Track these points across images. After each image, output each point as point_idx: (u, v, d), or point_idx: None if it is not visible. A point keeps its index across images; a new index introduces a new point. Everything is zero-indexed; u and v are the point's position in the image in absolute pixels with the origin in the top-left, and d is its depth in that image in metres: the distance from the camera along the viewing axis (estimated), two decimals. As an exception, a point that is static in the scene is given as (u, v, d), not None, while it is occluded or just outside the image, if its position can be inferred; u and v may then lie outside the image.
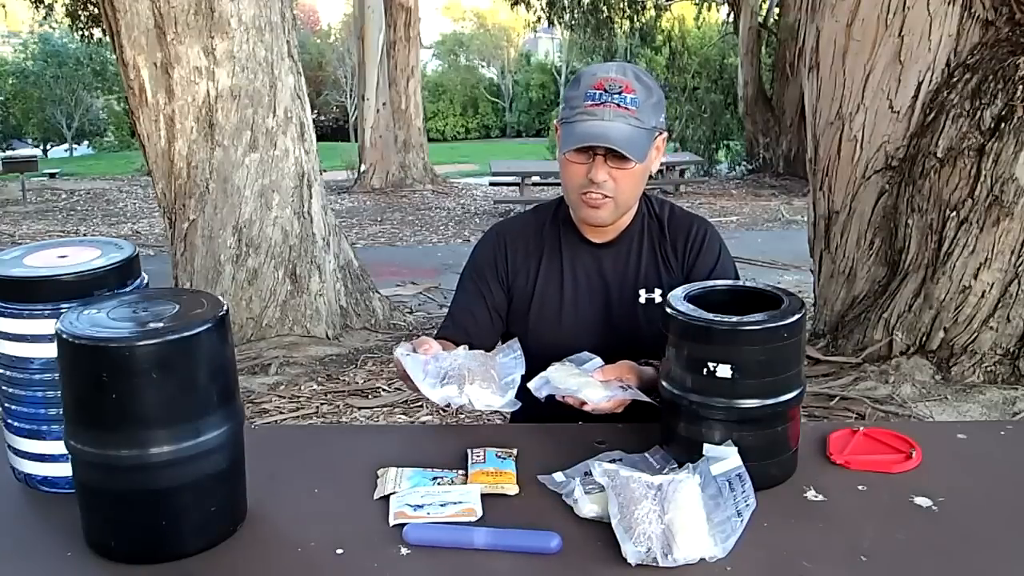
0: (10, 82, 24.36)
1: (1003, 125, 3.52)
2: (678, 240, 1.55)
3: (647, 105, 1.41)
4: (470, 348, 1.34)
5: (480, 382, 1.24)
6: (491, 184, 11.93)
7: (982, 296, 3.57)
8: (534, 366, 1.32)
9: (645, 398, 1.26)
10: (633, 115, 1.38)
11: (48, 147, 25.25)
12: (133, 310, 1.07)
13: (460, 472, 1.24)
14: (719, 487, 1.08)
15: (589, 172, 1.41)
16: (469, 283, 1.59)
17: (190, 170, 4.29)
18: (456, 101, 29.63)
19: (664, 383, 1.23)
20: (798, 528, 1.11)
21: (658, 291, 1.52)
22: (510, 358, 1.31)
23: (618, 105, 1.38)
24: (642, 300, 1.52)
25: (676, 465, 1.18)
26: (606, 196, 1.43)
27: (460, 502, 1.14)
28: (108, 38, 4.74)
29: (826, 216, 4.14)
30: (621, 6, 15.08)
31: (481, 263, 1.59)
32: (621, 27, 15.78)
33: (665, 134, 1.49)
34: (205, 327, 1.03)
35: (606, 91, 1.38)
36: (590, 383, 1.27)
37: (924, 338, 3.71)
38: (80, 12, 14.30)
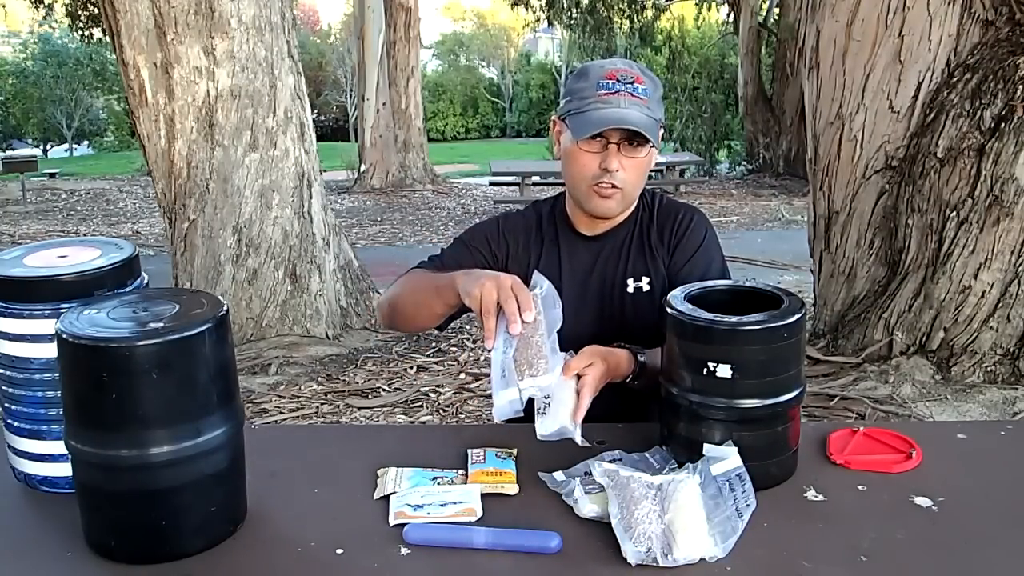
0: (10, 82, 24.33)
1: (1003, 125, 3.52)
2: (664, 227, 1.56)
3: (655, 97, 1.44)
4: None
5: (527, 371, 1.17)
6: (491, 184, 11.94)
7: (982, 296, 3.57)
8: None
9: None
10: (645, 104, 1.41)
11: (48, 147, 25.24)
12: (133, 310, 1.07)
13: (460, 472, 1.24)
14: (719, 487, 1.08)
15: (602, 161, 1.43)
16: (461, 246, 1.59)
17: (190, 170, 4.29)
18: (456, 101, 29.60)
19: (664, 383, 1.23)
20: (798, 528, 1.11)
21: (645, 279, 1.53)
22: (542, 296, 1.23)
23: (631, 94, 1.40)
24: (630, 289, 1.53)
25: (676, 465, 1.18)
26: (616, 186, 1.44)
27: (460, 502, 1.14)
28: (108, 38, 4.74)
29: (826, 216, 4.14)
30: (621, 6, 15.06)
31: (479, 236, 1.59)
32: (621, 27, 15.77)
33: (663, 130, 1.51)
34: (205, 327, 1.03)
35: (619, 81, 1.40)
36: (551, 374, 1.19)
37: (924, 338, 3.71)
38: (80, 12, 14.30)
